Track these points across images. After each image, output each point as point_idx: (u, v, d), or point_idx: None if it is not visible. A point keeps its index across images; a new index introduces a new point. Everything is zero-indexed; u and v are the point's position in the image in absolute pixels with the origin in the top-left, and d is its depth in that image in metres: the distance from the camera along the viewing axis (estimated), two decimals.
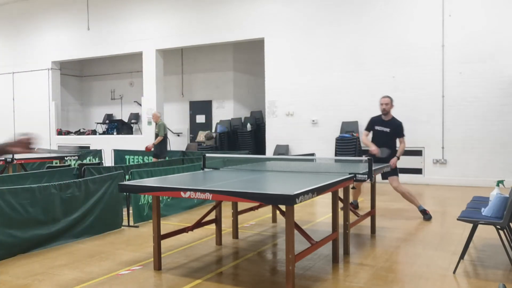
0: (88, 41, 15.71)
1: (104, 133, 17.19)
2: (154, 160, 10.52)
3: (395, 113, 6.91)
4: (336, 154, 11.34)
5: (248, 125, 14.45)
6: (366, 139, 6.83)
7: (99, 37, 15.50)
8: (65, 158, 9.64)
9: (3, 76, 17.81)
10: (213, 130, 15.18)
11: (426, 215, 6.58)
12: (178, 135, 16.56)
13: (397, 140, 6.75)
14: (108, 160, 13.05)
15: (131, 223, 6.21)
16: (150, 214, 6.27)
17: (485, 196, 4.95)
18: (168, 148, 12.03)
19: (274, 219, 6.40)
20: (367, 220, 5.74)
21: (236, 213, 5.52)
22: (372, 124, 6.78)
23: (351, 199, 6.69)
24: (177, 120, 16.75)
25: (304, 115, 12.14)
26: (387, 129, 6.66)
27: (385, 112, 6.69)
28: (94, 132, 17.16)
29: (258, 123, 14.80)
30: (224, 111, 15.82)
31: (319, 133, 11.92)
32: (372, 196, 5.94)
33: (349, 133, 11.34)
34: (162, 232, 4.40)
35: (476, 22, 10.19)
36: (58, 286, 3.92)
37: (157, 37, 14.44)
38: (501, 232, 4.19)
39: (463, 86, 10.29)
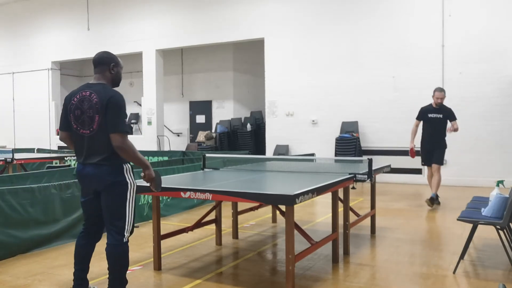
0: (88, 41, 15.70)
1: None
2: None
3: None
4: (336, 154, 11.34)
5: (248, 125, 14.45)
6: (414, 130, 7.77)
7: (99, 37, 15.49)
8: (65, 158, 9.64)
9: (3, 76, 17.81)
10: (213, 130, 15.18)
11: (436, 201, 7.61)
12: (178, 135, 16.56)
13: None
14: None
15: None
16: (150, 214, 6.27)
17: (485, 196, 4.95)
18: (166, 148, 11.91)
19: (274, 219, 6.40)
20: (367, 220, 5.75)
21: (236, 213, 5.52)
22: (423, 113, 7.67)
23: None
24: (177, 120, 16.76)
25: (304, 115, 12.14)
26: (439, 115, 7.56)
27: (439, 105, 7.56)
28: None
29: (258, 123, 14.80)
30: (224, 111, 15.83)
31: (319, 133, 11.92)
32: (372, 196, 5.94)
33: (349, 133, 11.33)
34: (162, 232, 4.40)
35: (476, 22, 10.19)
36: (58, 286, 3.92)
37: (157, 37, 14.44)
38: (501, 232, 4.19)
39: (463, 86, 10.29)
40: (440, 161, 7.69)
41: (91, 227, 3.54)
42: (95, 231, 3.57)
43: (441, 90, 7.71)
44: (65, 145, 3.59)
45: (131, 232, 3.44)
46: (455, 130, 7.59)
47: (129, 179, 3.40)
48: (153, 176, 3.43)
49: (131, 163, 3.44)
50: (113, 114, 3.23)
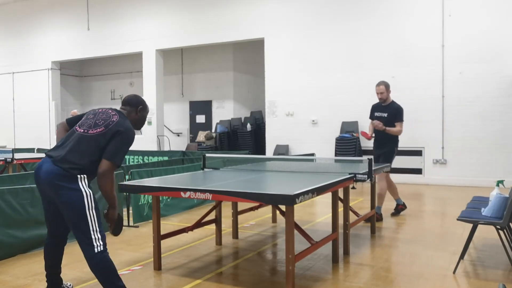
0: (88, 41, 15.71)
1: None
2: None
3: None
4: (336, 154, 11.34)
5: (248, 125, 14.45)
6: (370, 127, 6.82)
7: (99, 37, 15.50)
8: None
9: (3, 76, 17.81)
10: (213, 130, 15.18)
11: (379, 214, 6.45)
12: (178, 135, 16.56)
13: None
14: None
15: (131, 223, 6.21)
16: (150, 214, 6.27)
17: (485, 196, 4.95)
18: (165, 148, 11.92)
19: (274, 219, 6.40)
20: (368, 220, 5.74)
21: (236, 213, 5.52)
22: (372, 111, 6.78)
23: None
24: (177, 120, 16.76)
25: (304, 115, 12.15)
26: (384, 114, 6.55)
27: (382, 101, 6.59)
28: None
29: (258, 123, 14.80)
30: (224, 111, 15.83)
31: (319, 133, 11.93)
32: (372, 196, 5.95)
33: (349, 133, 11.33)
34: (162, 232, 4.40)
35: (476, 22, 10.19)
36: None
37: (157, 37, 14.44)
38: (501, 232, 4.19)
39: (463, 86, 10.29)
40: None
41: (53, 230, 3.43)
42: (59, 235, 3.46)
43: (379, 84, 6.58)
44: (56, 137, 3.53)
45: (103, 239, 3.24)
46: (386, 131, 6.41)
47: (83, 187, 3.16)
48: (115, 218, 3.34)
49: (86, 174, 3.24)
50: (120, 144, 3.21)
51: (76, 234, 3.18)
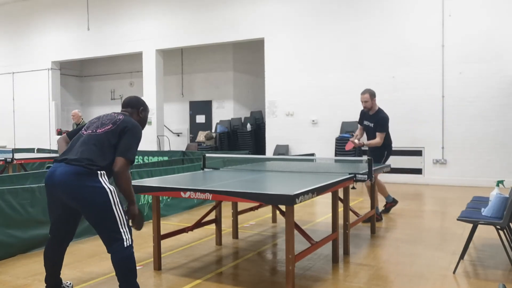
0: (88, 41, 15.70)
1: None
2: None
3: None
4: (336, 154, 11.34)
5: (248, 125, 14.45)
6: (358, 133, 6.75)
7: (99, 37, 15.50)
8: None
9: (3, 76, 17.81)
10: (213, 130, 15.18)
11: (379, 215, 6.41)
12: (178, 135, 16.56)
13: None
14: None
15: (131, 223, 6.20)
16: (150, 214, 6.26)
17: (485, 196, 4.95)
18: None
19: (274, 219, 6.40)
20: (367, 220, 5.74)
21: (236, 213, 5.52)
22: (361, 118, 6.65)
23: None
24: (177, 120, 16.76)
25: (304, 115, 12.15)
26: (371, 124, 6.45)
27: (367, 109, 6.49)
28: None
29: (258, 123, 14.80)
30: (224, 111, 15.83)
31: (319, 133, 11.93)
32: (372, 196, 5.95)
33: (349, 133, 11.32)
34: (162, 232, 4.40)
35: (476, 22, 10.19)
36: None
37: (157, 37, 14.44)
38: (501, 232, 4.19)
39: (463, 86, 10.29)
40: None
41: (57, 233, 3.37)
42: (63, 238, 3.41)
43: (363, 92, 6.41)
44: (58, 147, 3.54)
45: (130, 232, 3.27)
46: (365, 144, 6.41)
47: (105, 184, 3.14)
48: (136, 213, 3.34)
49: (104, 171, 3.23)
50: (130, 140, 3.27)
51: (103, 232, 3.17)
